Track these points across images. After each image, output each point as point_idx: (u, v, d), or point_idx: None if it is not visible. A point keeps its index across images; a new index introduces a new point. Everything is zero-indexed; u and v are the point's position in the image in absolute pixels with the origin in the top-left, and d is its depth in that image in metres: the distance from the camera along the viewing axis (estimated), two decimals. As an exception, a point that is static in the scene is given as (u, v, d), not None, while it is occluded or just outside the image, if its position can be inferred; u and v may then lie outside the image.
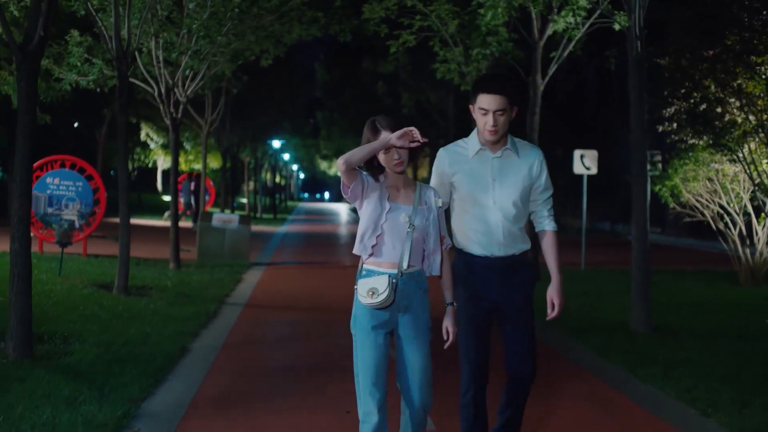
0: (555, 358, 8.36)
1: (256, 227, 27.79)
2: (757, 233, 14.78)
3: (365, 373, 4.10)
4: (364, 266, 4.21)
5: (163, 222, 32.06)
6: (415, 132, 4.06)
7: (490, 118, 4.41)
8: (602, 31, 13.78)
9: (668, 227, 30.58)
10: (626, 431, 5.86)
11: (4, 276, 12.20)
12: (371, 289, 4.09)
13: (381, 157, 4.21)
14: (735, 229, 15.04)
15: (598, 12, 13.17)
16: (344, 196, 4.20)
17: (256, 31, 15.54)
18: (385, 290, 4.07)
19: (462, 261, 4.58)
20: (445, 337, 4.27)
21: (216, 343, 8.69)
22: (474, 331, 4.51)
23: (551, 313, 4.53)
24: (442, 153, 4.67)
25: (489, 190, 4.52)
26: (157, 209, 40.01)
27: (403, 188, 4.29)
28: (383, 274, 4.14)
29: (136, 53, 13.30)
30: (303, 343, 9.00)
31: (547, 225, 4.67)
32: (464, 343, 4.53)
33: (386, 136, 4.09)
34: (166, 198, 53.28)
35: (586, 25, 13.82)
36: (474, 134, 4.60)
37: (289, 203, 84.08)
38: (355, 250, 4.23)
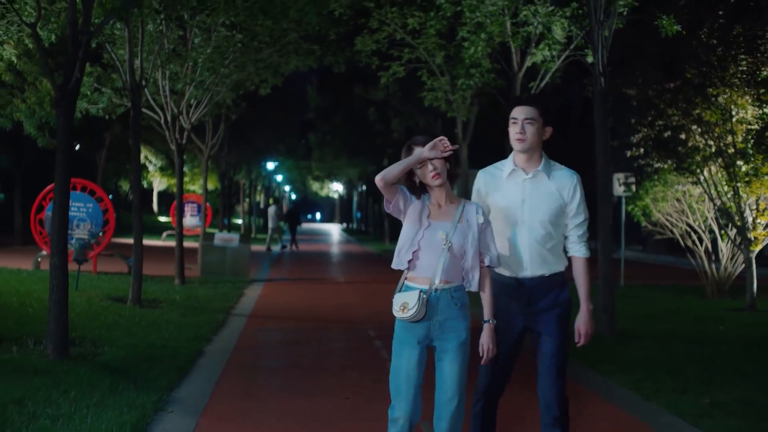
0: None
1: (252, 246, 28.88)
2: (721, 250, 15.93)
3: (396, 382, 4.31)
4: (405, 281, 4.39)
5: (162, 242, 33.14)
6: (445, 140, 4.21)
7: (518, 126, 4.53)
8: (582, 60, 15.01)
9: (649, 245, 31.79)
10: (578, 410, 6.95)
11: (26, 291, 13.32)
12: (402, 303, 4.25)
13: (419, 173, 4.34)
14: (701, 245, 16.19)
15: (573, 46, 14.41)
16: (387, 211, 4.39)
17: (256, 63, 16.70)
18: (414, 305, 4.21)
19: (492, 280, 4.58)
20: (481, 354, 4.36)
21: (228, 347, 9.79)
22: (498, 349, 4.49)
23: (578, 342, 4.59)
24: (479, 174, 4.75)
25: (519, 211, 4.57)
26: (154, 230, 41.02)
27: (446, 204, 4.38)
28: (416, 289, 4.29)
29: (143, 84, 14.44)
30: (303, 347, 10.11)
31: (577, 251, 4.64)
32: (487, 366, 4.58)
33: (419, 150, 4.24)
34: (162, 219, 54.27)
35: (561, 58, 15.03)
36: (511, 156, 4.71)
37: (282, 223, 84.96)
38: (393, 265, 4.39)
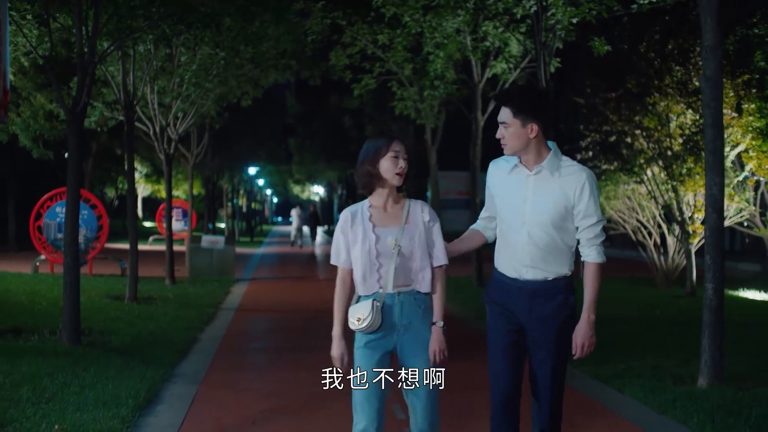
0: (474, 337, 10.80)
1: (237, 249, 30.20)
2: (669, 244, 17.39)
3: (360, 395, 4.17)
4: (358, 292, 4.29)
5: (148, 246, 34.35)
6: (337, 363, 4.26)
7: (499, 130, 4.23)
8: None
9: (614, 241, 33.28)
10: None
11: (32, 291, 14.59)
12: (357, 316, 4.14)
13: (384, 165, 4.18)
14: (651, 239, 17.66)
15: (527, 60, 15.85)
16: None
17: (238, 78, 18.04)
18: (368, 315, 4.09)
19: (494, 278, 4.39)
20: (432, 360, 4.16)
21: (219, 334, 11.17)
22: (500, 354, 4.30)
23: (575, 354, 4.21)
24: (489, 166, 4.47)
25: (520, 210, 4.23)
26: (140, 234, 42.12)
27: (391, 207, 4.25)
28: (368, 298, 4.19)
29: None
30: (285, 333, 11.51)
31: (587, 255, 4.22)
32: (491, 366, 4.36)
33: (336, 344, 4.27)
34: (147, 224, 55.41)
35: (518, 70, 16.48)
36: None
37: (264, 227, 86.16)
38: (361, 292, 4.23)
